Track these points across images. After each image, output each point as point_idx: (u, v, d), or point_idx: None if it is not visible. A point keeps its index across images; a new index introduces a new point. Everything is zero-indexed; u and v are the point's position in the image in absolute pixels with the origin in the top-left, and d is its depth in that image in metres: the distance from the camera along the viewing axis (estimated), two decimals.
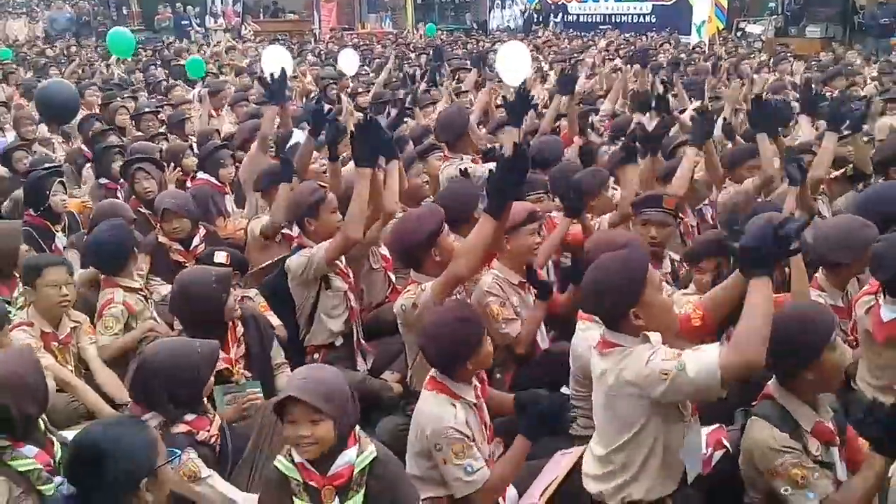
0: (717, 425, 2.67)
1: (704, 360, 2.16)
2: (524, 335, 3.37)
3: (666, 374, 2.20)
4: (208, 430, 2.68)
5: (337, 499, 2.22)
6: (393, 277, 4.22)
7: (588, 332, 2.89)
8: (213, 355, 2.70)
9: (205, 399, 2.76)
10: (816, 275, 3.38)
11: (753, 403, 2.84)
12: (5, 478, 2.29)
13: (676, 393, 2.23)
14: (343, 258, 3.72)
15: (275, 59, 8.81)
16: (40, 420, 2.48)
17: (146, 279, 3.93)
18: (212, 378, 2.74)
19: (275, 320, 3.70)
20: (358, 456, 2.25)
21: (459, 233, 3.52)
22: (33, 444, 2.40)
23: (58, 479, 2.24)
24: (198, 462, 2.55)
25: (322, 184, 4.05)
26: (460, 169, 4.59)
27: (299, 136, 5.44)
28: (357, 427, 2.29)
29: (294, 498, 2.23)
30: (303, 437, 2.17)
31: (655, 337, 2.39)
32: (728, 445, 2.57)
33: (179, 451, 2.31)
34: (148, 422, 2.52)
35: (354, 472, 2.23)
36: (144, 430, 2.13)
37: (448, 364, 2.58)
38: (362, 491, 2.24)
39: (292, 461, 2.24)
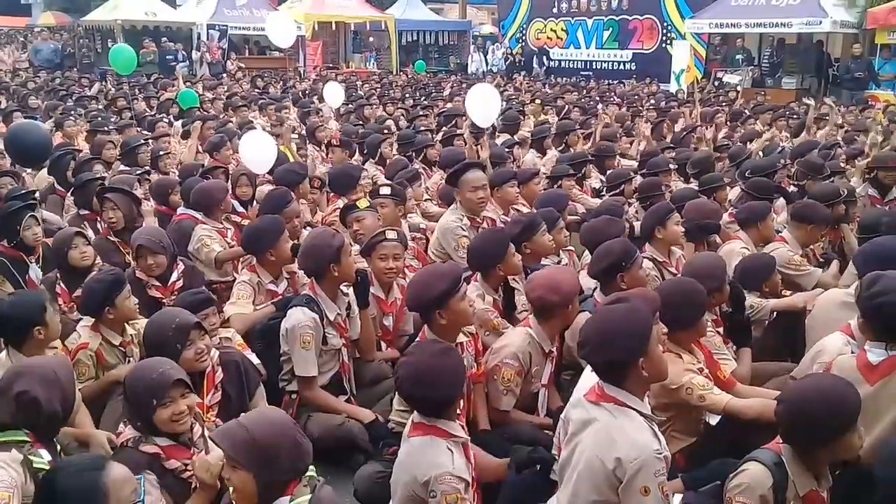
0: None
1: None
2: (511, 417, 3.37)
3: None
4: (185, 463, 2.60)
5: None
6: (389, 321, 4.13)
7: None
8: (164, 379, 2.58)
9: (200, 432, 2.67)
10: (851, 322, 3.15)
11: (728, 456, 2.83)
12: (22, 465, 2.31)
13: None
14: (344, 311, 3.75)
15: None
16: (56, 442, 2.55)
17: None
18: (179, 404, 2.60)
19: (254, 359, 3.62)
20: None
21: (486, 279, 3.87)
22: (49, 452, 2.44)
23: None
24: (147, 488, 2.47)
25: None
26: None
27: None
28: (309, 474, 2.21)
29: None
30: (227, 478, 2.19)
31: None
32: None
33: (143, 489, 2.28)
34: (122, 437, 2.63)
35: None
36: (98, 474, 2.09)
37: (440, 408, 2.53)
38: None
39: None
